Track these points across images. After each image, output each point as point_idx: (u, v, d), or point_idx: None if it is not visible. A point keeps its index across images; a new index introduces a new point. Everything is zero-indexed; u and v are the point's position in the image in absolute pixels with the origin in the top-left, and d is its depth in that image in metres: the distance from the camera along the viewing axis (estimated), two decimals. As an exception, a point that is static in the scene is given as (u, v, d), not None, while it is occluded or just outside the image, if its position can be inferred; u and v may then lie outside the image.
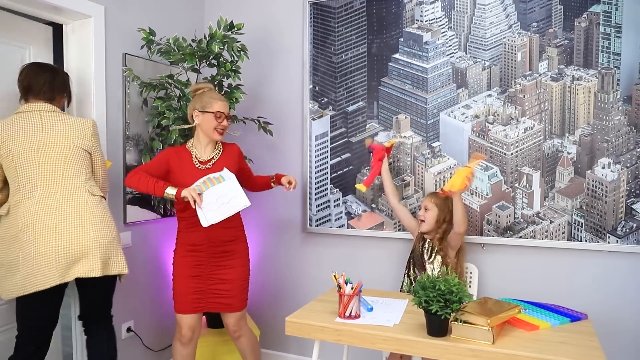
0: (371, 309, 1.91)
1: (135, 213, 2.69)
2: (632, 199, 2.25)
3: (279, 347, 3.06)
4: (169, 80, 2.58)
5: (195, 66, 2.60)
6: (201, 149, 2.25)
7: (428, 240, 2.35)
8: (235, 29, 2.59)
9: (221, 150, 2.30)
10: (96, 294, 2.09)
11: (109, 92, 2.54)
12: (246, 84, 3.01)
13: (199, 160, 2.23)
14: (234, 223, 2.27)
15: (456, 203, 2.21)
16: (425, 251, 2.34)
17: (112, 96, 2.56)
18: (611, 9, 2.26)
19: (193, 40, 2.64)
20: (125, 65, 2.59)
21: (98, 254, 1.90)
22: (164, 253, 2.92)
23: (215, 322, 2.76)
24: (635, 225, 2.25)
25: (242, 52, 2.63)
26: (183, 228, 2.26)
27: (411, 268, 2.38)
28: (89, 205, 1.94)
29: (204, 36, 2.59)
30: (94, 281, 1.97)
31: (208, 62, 2.64)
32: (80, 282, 2.02)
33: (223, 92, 2.67)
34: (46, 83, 1.99)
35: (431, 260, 2.31)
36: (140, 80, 2.56)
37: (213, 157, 2.25)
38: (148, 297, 2.82)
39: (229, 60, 2.62)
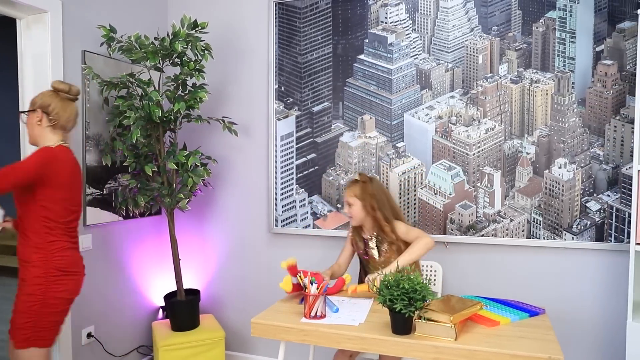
0: (337, 310, 1.92)
1: (96, 215, 2.61)
2: (586, 197, 2.35)
3: (244, 348, 3.04)
4: (131, 79, 2.52)
5: (158, 65, 2.55)
6: None
7: (370, 237, 2.21)
8: (199, 27, 2.56)
9: None
10: None
11: (67, 90, 2.46)
12: (210, 84, 2.97)
13: None
14: (32, 242, 1.87)
15: (408, 264, 2.06)
16: (374, 252, 2.21)
17: (70, 94, 2.48)
18: (566, 15, 2.35)
19: (156, 39, 2.59)
20: (85, 63, 2.52)
21: None
22: (125, 256, 2.85)
23: (179, 325, 2.71)
24: (589, 222, 2.34)
25: (206, 51, 2.60)
26: None
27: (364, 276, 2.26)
28: None
29: (167, 34, 2.55)
30: None
31: (171, 61, 2.59)
32: None
33: (187, 92, 2.63)
34: None
35: (385, 255, 2.18)
36: (101, 78, 2.49)
37: None
38: (109, 301, 2.74)
39: (193, 59, 2.58)
